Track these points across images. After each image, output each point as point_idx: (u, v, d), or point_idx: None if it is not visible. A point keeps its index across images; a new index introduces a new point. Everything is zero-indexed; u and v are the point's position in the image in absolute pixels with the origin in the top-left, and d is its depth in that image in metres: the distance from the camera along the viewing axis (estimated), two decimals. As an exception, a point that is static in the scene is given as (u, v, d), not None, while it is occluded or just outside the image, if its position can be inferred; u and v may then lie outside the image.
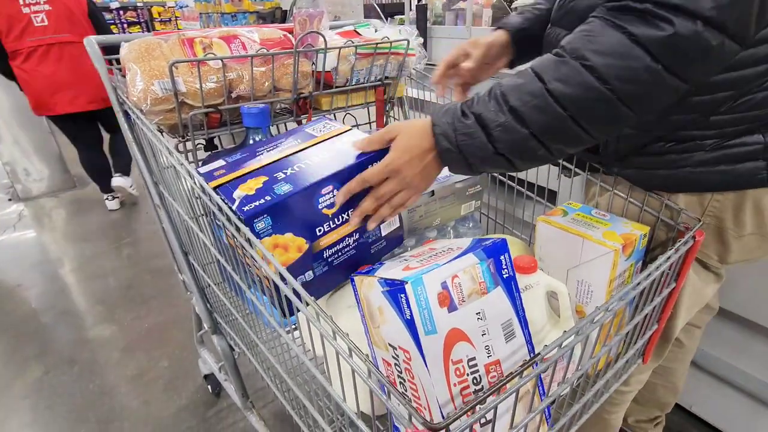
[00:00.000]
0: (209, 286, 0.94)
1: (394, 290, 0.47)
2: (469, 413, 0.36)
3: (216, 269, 0.93)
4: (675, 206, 0.67)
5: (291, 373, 0.69)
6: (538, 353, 0.42)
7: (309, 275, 0.65)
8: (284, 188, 0.59)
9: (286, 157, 0.66)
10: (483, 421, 0.49)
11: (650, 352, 0.74)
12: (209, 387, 1.44)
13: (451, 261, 0.49)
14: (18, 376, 1.57)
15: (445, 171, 0.90)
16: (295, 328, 0.75)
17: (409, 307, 0.46)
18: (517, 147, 0.55)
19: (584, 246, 0.66)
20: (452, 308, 0.48)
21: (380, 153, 0.65)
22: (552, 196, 0.99)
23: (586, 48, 0.50)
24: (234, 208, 0.56)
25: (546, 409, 0.55)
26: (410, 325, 0.46)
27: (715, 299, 0.91)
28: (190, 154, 0.89)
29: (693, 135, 0.64)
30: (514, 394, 0.41)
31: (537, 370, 0.42)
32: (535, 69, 0.54)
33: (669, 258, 0.57)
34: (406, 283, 0.45)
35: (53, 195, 3.13)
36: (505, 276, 0.52)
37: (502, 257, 0.52)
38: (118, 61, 0.84)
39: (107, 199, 2.85)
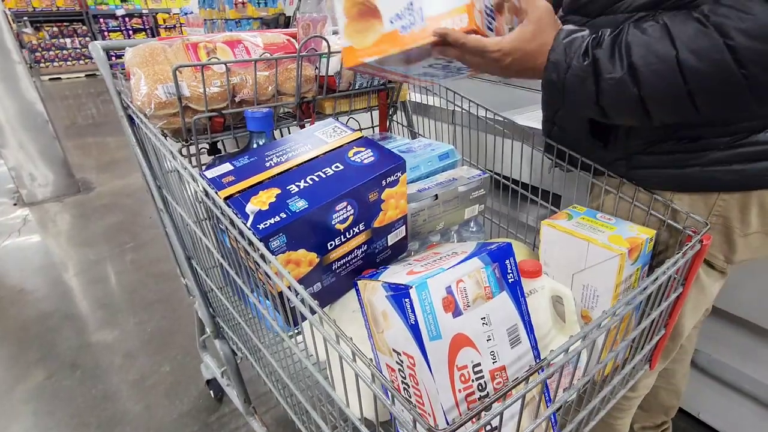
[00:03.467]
0: (212, 290, 0.93)
1: (399, 295, 0.46)
2: (474, 420, 0.36)
3: (219, 273, 0.92)
4: (682, 210, 0.66)
5: (294, 378, 0.68)
6: (545, 358, 0.42)
7: (317, 286, 0.64)
8: (299, 204, 0.58)
9: (298, 166, 0.65)
10: (489, 427, 0.49)
11: (657, 358, 0.73)
12: (211, 392, 1.44)
13: (455, 265, 0.49)
14: (20, 380, 1.57)
15: (448, 175, 0.90)
16: (298, 333, 0.75)
17: (413, 312, 0.45)
18: (620, 105, 0.54)
19: (589, 250, 0.66)
20: (457, 313, 0.47)
21: (393, 166, 0.65)
22: (556, 200, 0.98)
23: (735, 26, 0.46)
24: (248, 225, 0.55)
25: (552, 416, 0.54)
26: (415, 330, 0.45)
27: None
28: (193, 159, 0.89)
29: (708, 132, 0.62)
30: (520, 401, 0.40)
31: (543, 375, 0.41)
32: (672, 31, 0.50)
33: (676, 262, 0.56)
34: (411, 287, 0.45)
35: (58, 200, 3.14)
36: (510, 280, 0.51)
37: (507, 261, 0.51)
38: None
39: None
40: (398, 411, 0.37)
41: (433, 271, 0.48)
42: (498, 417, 0.38)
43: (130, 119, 0.84)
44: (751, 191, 0.65)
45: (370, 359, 0.39)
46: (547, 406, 0.50)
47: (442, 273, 0.47)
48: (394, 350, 0.50)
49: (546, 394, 0.52)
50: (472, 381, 0.48)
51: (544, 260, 0.73)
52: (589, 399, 0.59)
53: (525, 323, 0.52)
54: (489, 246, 0.52)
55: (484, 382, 0.49)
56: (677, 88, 0.50)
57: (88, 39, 8.53)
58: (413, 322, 0.45)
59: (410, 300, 0.45)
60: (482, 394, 0.49)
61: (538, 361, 0.52)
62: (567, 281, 0.70)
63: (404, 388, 0.51)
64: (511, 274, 0.51)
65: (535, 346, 0.53)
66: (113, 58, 0.89)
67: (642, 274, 0.69)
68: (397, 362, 0.50)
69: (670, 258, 0.57)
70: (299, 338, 0.78)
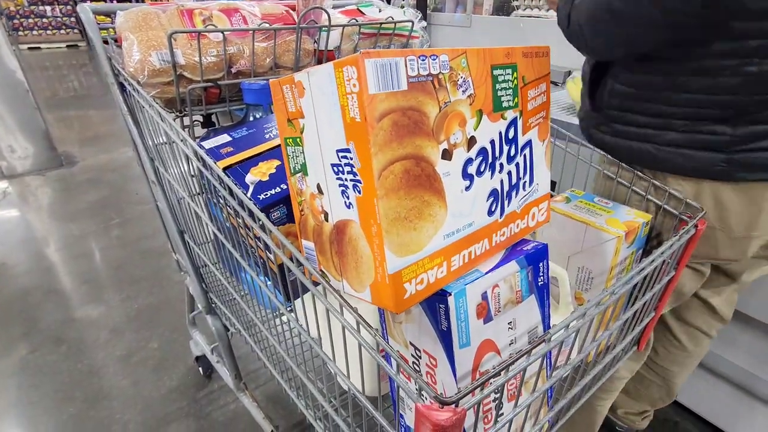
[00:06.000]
0: (205, 265, 0.92)
1: (432, 299, 0.43)
2: (477, 390, 0.36)
3: (212, 249, 0.91)
4: (679, 195, 0.67)
5: (290, 353, 0.68)
6: (546, 333, 0.42)
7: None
8: None
9: None
10: (487, 399, 0.49)
11: (645, 340, 0.75)
12: (200, 369, 1.43)
13: (493, 269, 0.46)
14: (3, 355, 1.54)
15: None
16: (291, 311, 0.75)
17: (447, 318, 0.43)
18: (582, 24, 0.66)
19: (587, 232, 0.66)
20: (488, 319, 0.45)
21: None
22: (552, 186, 0.99)
23: None
24: (248, 195, 0.53)
25: (549, 392, 0.55)
26: (445, 337, 0.43)
27: (726, 309, 0.90)
28: (187, 131, 0.86)
29: (667, 111, 0.67)
30: (521, 374, 0.40)
31: (543, 349, 0.42)
32: None
33: (672, 245, 0.57)
34: (449, 294, 0.42)
35: (39, 173, 3.05)
36: (540, 284, 0.50)
37: (541, 264, 0.50)
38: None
39: None
40: (402, 381, 0.37)
41: (470, 274, 0.46)
42: (500, 388, 0.39)
43: (122, 87, 0.81)
44: (702, 182, 0.67)
45: (376, 329, 0.39)
46: (547, 379, 0.51)
47: (481, 278, 0.45)
48: (411, 344, 0.49)
49: (548, 369, 0.53)
50: (490, 385, 0.48)
51: (541, 242, 0.74)
52: (582, 377, 0.60)
53: (545, 326, 0.52)
54: (525, 246, 0.51)
55: (501, 386, 0.48)
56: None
57: (69, 8, 8.19)
58: (445, 329, 0.43)
59: (446, 306, 0.42)
60: (497, 396, 0.48)
61: (549, 361, 0.53)
62: (563, 263, 0.71)
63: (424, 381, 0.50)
64: (541, 277, 0.50)
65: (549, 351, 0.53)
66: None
67: (636, 258, 0.70)
68: (413, 355, 0.49)
69: (665, 242, 0.58)
70: (293, 315, 0.78)
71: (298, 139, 0.44)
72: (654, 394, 1.06)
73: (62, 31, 8.30)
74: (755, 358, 1.09)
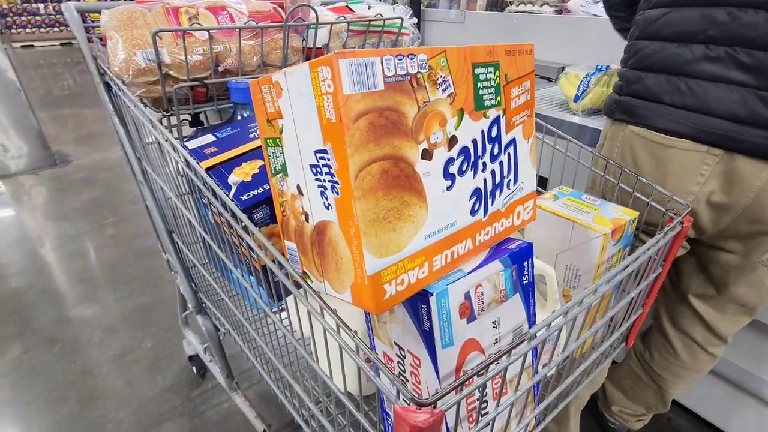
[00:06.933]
0: (194, 266, 0.92)
1: (415, 299, 0.43)
2: (457, 390, 0.36)
3: (201, 249, 0.91)
4: (665, 192, 0.67)
5: (277, 354, 0.68)
6: (527, 333, 0.42)
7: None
8: None
9: None
10: (471, 399, 0.49)
11: (633, 336, 0.75)
12: (194, 368, 1.43)
13: (476, 269, 0.46)
14: (-4, 355, 1.54)
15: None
16: (282, 309, 0.75)
17: (429, 319, 0.43)
18: None
19: (574, 230, 0.66)
20: (471, 319, 0.45)
21: None
22: (542, 183, 0.99)
23: None
24: (231, 196, 0.53)
25: (535, 389, 0.55)
26: (428, 337, 0.43)
27: (722, 326, 0.90)
28: (174, 130, 0.86)
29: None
30: (503, 373, 0.40)
31: (525, 348, 0.42)
32: None
33: (657, 242, 0.57)
34: (431, 294, 0.42)
35: (33, 172, 3.03)
36: (525, 282, 0.50)
37: (525, 263, 0.50)
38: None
39: None
40: (382, 382, 0.37)
41: (451, 271, 0.46)
42: (480, 388, 0.39)
43: (107, 86, 0.81)
44: (626, 126, 0.77)
45: (355, 331, 0.39)
46: (533, 376, 0.51)
47: (464, 278, 0.45)
48: (396, 343, 0.49)
49: (533, 367, 0.53)
50: (470, 385, 0.48)
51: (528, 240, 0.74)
52: (568, 374, 0.60)
53: (530, 324, 0.52)
54: (510, 244, 0.50)
55: (483, 385, 0.48)
56: None
57: (62, 5, 8.12)
58: (427, 329, 0.43)
59: (428, 307, 0.42)
60: (481, 394, 0.48)
61: (534, 357, 0.53)
62: (550, 261, 0.71)
63: (402, 382, 0.51)
64: (526, 276, 0.50)
65: (534, 349, 0.53)
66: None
67: (623, 255, 0.70)
68: (397, 355, 0.49)
69: (651, 239, 0.58)
70: (283, 314, 0.78)
71: (277, 140, 0.44)
72: (649, 399, 1.06)
73: (56, 29, 8.24)
74: (747, 355, 1.09)
